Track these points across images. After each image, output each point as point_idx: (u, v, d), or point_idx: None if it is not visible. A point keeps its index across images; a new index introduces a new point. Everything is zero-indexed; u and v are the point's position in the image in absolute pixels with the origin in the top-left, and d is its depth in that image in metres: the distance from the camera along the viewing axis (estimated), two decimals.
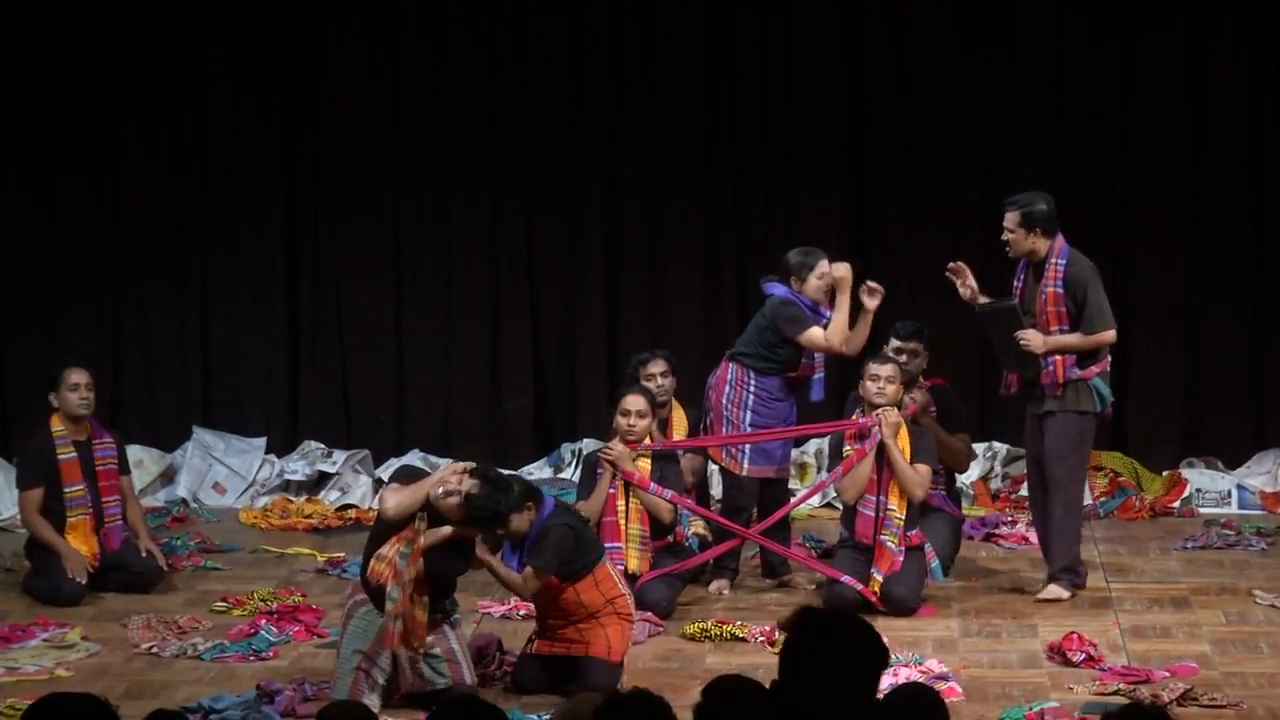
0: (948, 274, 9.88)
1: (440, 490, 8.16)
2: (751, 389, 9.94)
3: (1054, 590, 9.78)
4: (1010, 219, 9.66)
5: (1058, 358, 9.60)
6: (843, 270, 9.89)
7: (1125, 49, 12.21)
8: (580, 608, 8.38)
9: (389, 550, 8.13)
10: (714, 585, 10.01)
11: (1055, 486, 9.71)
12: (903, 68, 12.31)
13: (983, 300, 9.80)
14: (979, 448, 11.78)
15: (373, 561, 8.18)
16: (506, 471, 9.15)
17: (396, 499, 8.20)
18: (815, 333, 9.85)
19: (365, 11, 12.46)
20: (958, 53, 12.29)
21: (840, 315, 9.83)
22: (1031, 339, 9.59)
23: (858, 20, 12.34)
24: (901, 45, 12.29)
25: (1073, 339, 9.62)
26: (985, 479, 12.06)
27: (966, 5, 12.29)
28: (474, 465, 8.37)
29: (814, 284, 9.91)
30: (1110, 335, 9.68)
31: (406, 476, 8.39)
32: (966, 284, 9.80)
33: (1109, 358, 9.74)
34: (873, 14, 12.32)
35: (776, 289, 9.98)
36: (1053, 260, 9.63)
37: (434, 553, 8.17)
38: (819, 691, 4.85)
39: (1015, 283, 9.80)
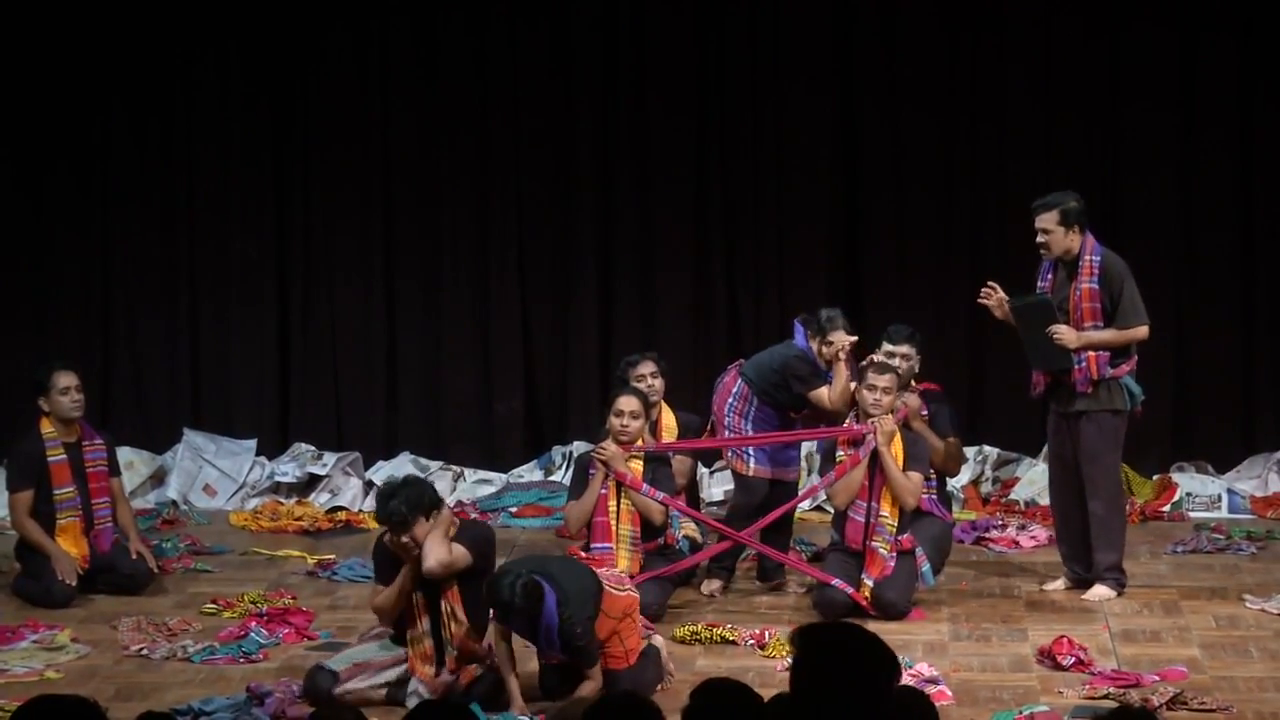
0: (981, 301, 9.86)
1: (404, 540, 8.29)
2: (754, 407, 9.99)
3: (1101, 591, 9.80)
4: (1048, 219, 9.64)
5: (1091, 354, 9.60)
6: (841, 340, 9.86)
7: (1114, 55, 12.23)
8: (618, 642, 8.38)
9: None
10: (706, 585, 10.01)
11: (1095, 487, 9.73)
12: (893, 76, 12.32)
13: (1014, 298, 9.82)
14: (969, 452, 11.78)
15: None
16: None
17: (436, 557, 8.26)
18: (822, 393, 9.90)
19: (355, 14, 12.46)
20: (948, 60, 12.30)
21: (840, 380, 9.83)
22: (1065, 334, 9.60)
23: (848, 29, 12.34)
24: (892, 54, 12.30)
25: (1107, 334, 9.63)
26: (976, 483, 12.06)
27: (956, 13, 12.30)
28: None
29: (825, 349, 9.95)
30: (1143, 331, 9.68)
31: (384, 567, 8.47)
32: (998, 296, 9.81)
33: (1136, 356, 9.75)
34: (863, 23, 12.32)
35: (799, 337, 10.02)
36: (1086, 257, 9.64)
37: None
38: (834, 708, 4.81)
39: (1041, 284, 9.80)
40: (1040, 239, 9.68)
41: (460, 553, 8.23)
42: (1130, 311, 9.63)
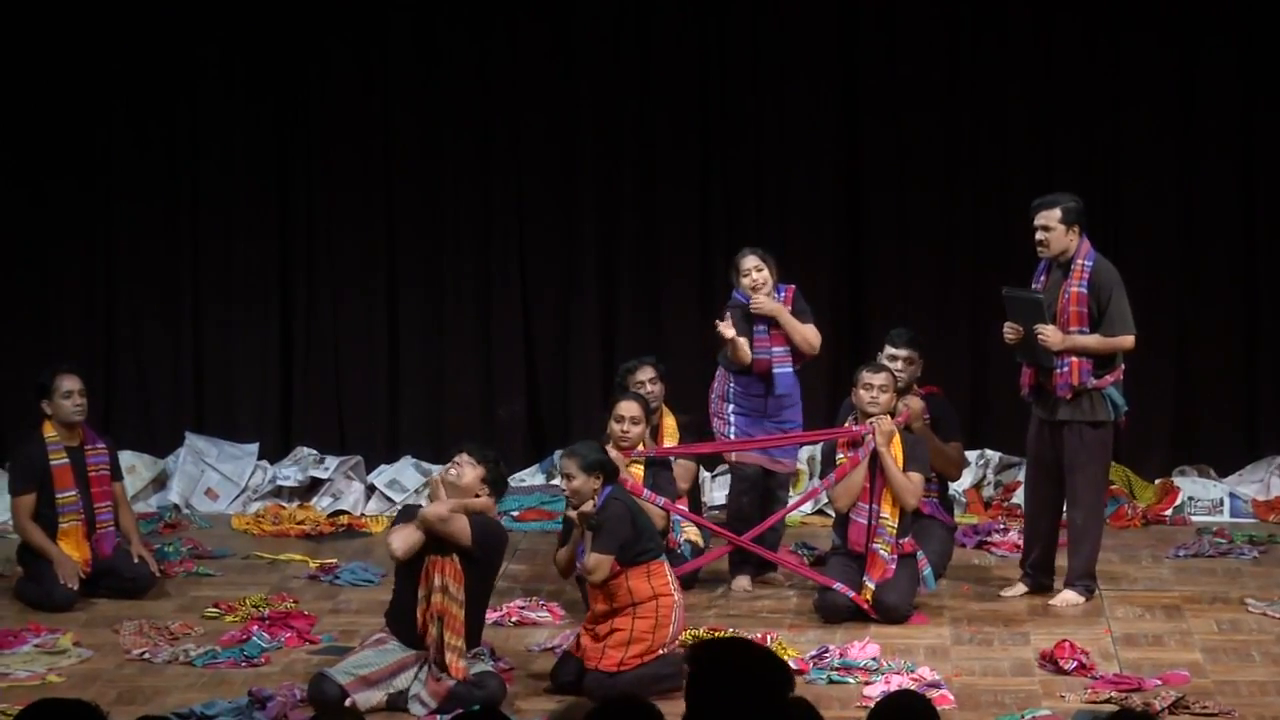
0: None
1: (449, 473, 8.39)
2: (731, 384, 10.11)
3: (1069, 596, 9.81)
4: (1049, 216, 9.64)
5: (1074, 360, 9.60)
6: (744, 266, 10.08)
7: (1115, 59, 12.23)
8: (626, 595, 8.43)
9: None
10: (736, 583, 10.04)
11: (1075, 497, 9.74)
12: (895, 80, 12.32)
13: (1008, 287, 9.85)
14: (971, 455, 11.78)
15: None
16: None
17: (401, 537, 8.28)
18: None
19: (358, 18, 12.46)
20: (950, 65, 12.30)
21: (730, 336, 10.00)
22: (1050, 335, 9.59)
23: (851, 32, 12.34)
24: (894, 57, 12.30)
25: (1091, 340, 9.62)
26: (978, 487, 12.06)
27: (958, 18, 12.30)
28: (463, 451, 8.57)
29: (742, 282, 10.06)
30: (1129, 341, 9.67)
31: (406, 516, 8.46)
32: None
33: (1123, 366, 9.73)
34: (866, 26, 12.32)
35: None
36: (1079, 261, 9.64)
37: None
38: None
39: (1035, 284, 9.81)
40: (1039, 236, 9.68)
41: (460, 524, 8.27)
42: (1117, 320, 9.61)
